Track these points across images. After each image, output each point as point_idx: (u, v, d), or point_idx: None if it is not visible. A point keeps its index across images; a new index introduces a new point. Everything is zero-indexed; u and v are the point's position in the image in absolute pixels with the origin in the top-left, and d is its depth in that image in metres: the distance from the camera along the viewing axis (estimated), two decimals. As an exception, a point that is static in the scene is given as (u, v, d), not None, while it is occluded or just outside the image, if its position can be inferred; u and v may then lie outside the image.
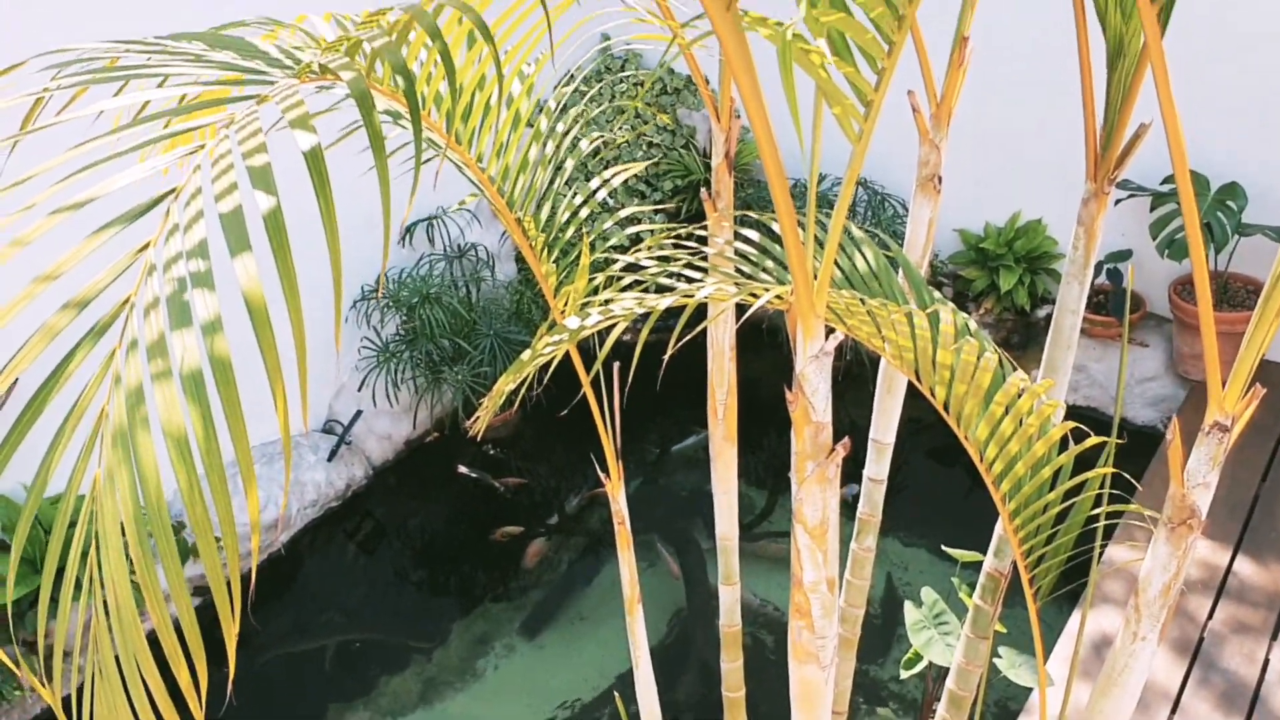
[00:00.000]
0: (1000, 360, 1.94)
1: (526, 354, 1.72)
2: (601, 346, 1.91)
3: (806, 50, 1.19)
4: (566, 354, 2.35)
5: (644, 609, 5.98)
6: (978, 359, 1.84)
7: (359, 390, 6.69)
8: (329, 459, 6.61)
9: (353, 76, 1.05)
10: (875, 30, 1.35)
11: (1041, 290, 6.80)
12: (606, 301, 1.82)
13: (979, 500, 3.69)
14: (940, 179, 2.46)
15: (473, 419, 1.86)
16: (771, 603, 6.04)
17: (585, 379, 2.20)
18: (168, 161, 1.12)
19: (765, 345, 7.73)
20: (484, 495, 6.92)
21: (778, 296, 1.65)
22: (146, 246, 1.10)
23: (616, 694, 2.53)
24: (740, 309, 2.03)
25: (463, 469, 6.77)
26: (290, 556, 6.50)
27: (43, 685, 1.40)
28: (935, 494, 6.83)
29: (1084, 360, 6.70)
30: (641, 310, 1.67)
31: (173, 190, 1.11)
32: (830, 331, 1.76)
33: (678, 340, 1.71)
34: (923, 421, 7.20)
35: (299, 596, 6.43)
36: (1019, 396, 1.86)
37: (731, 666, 2.86)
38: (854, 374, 7.20)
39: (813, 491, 1.80)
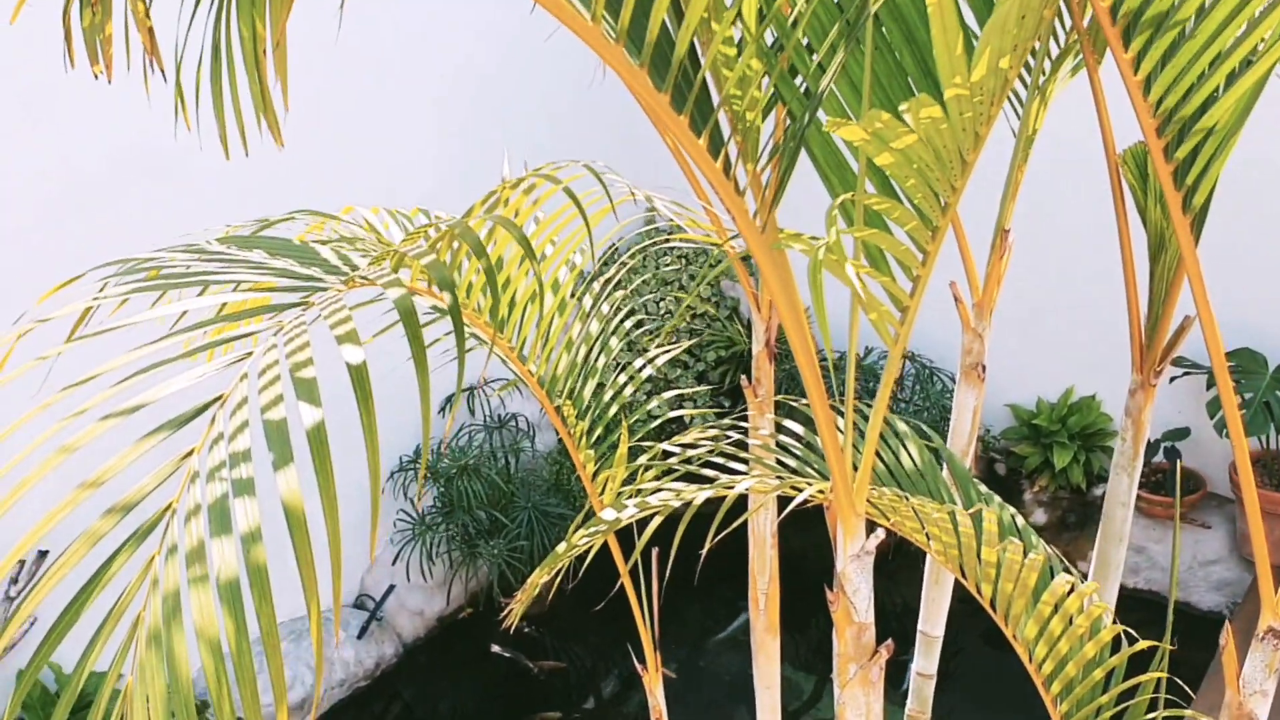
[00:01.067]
0: (1048, 558, 1.94)
1: (561, 546, 1.75)
2: (640, 533, 1.94)
3: (840, 263, 1.25)
4: (608, 540, 2.37)
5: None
6: (1024, 557, 1.85)
7: (393, 564, 6.70)
8: (359, 636, 6.57)
9: (400, 294, 1.12)
10: (910, 242, 1.41)
11: (1097, 468, 6.75)
12: (640, 491, 1.85)
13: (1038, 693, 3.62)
14: (984, 367, 2.50)
15: (506, 611, 1.88)
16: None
17: (624, 569, 2.22)
18: (215, 368, 1.19)
19: (812, 519, 7.67)
20: (517, 675, 6.82)
21: (819, 491, 1.67)
22: (191, 454, 1.16)
23: None
24: (782, 501, 2.06)
25: (496, 648, 6.70)
26: (315, 739, 6.42)
27: None
28: (991, 682, 6.65)
29: (1144, 541, 6.60)
30: (679, 503, 1.71)
31: (219, 398, 1.17)
32: (872, 529, 1.78)
33: (716, 534, 1.74)
34: (978, 604, 7.11)
35: (319, 786, 6.33)
36: (1067, 596, 1.86)
37: None
38: (906, 551, 7.13)
39: (855, 695, 1.79)
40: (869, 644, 1.77)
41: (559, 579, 6.50)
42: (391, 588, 6.71)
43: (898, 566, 7.07)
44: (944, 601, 2.81)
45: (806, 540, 7.80)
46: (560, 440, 7.56)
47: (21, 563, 4.78)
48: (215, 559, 1.11)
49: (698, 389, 7.48)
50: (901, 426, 2.14)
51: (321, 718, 6.42)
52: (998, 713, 6.27)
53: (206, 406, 1.17)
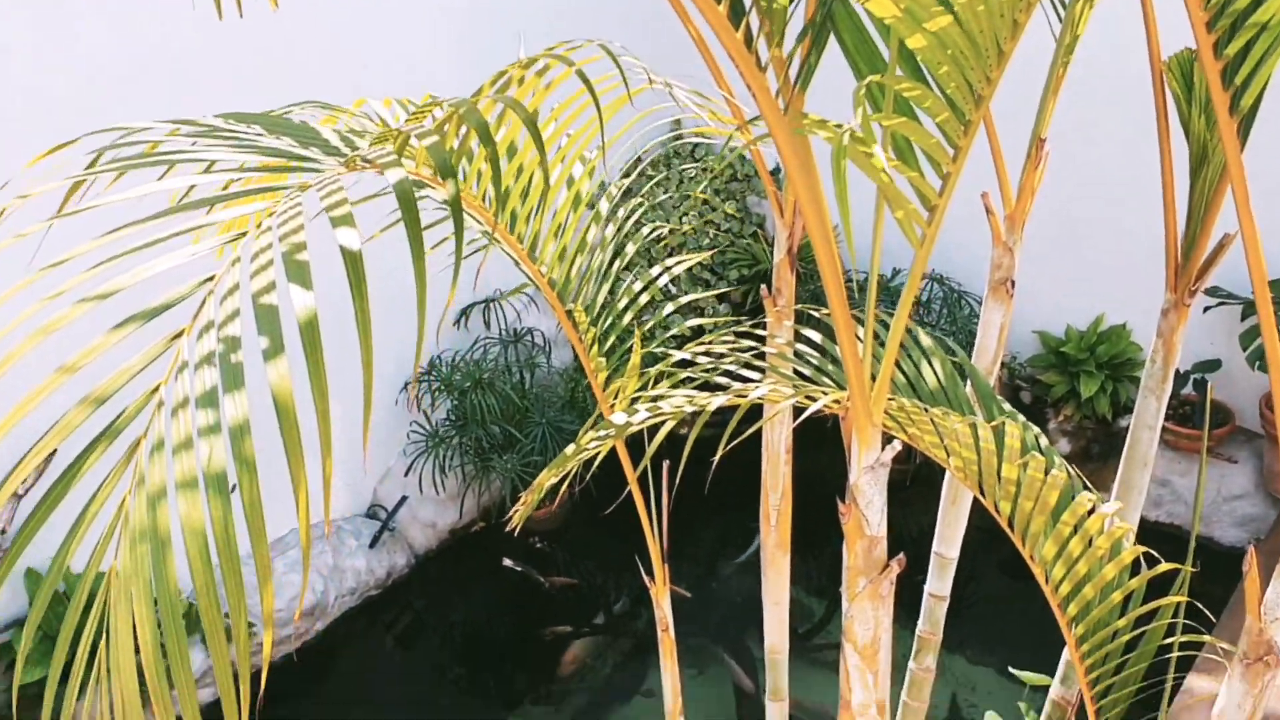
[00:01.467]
0: (1070, 477, 1.91)
1: (571, 448, 1.72)
2: (651, 442, 1.91)
3: (868, 153, 1.20)
4: (617, 448, 2.34)
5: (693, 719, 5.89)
6: (1045, 475, 1.81)
7: (405, 475, 6.72)
8: (371, 545, 6.63)
9: (398, 177, 1.07)
10: (941, 135, 1.36)
11: (1124, 399, 6.69)
12: (656, 398, 1.82)
13: (1052, 619, 3.62)
14: (1013, 283, 2.44)
15: (512, 511, 1.86)
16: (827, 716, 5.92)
17: (632, 476, 2.19)
18: (207, 250, 1.15)
19: (828, 439, 7.67)
20: (529, 589, 6.88)
21: (835, 401, 1.64)
22: (180, 334, 1.13)
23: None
24: (798, 411, 2.02)
25: (508, 562, 6.74)
26: (325, 646, 6.49)
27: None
28: (1006, 610, 6.68)
29: (1168, 474, 6.56)
30: (692, 409, 1.67)
31: (210, 278, 1.13)
32: (888, 441, 1.74)
33: (729, 441, 1.71)
34: (995, 531, 7.10)
35: (332, 689, 6.41)
36: (1088, 516, 1.82)
37: (777, 789, 2.80)
38: (923, 477, 7.12)
39: (864, 609, 1.77)
40: (880, 558, 1.74)
41: (571, 492, 6.52)
42: (404, 499, 6.75)
43: (915, 493, 7.07)
44: (960, 523, 2.78)
45: (822, 462, 7.80)
46: (577, 357, 7.55)
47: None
48: (203, 449, 1.08)
49: (718, 301, 7.44)
50: (925, 340, 2.09)
51: (333, 624, 6.49)
52: (1010, 639, 6.29)
53: (197, 288, 1.13)
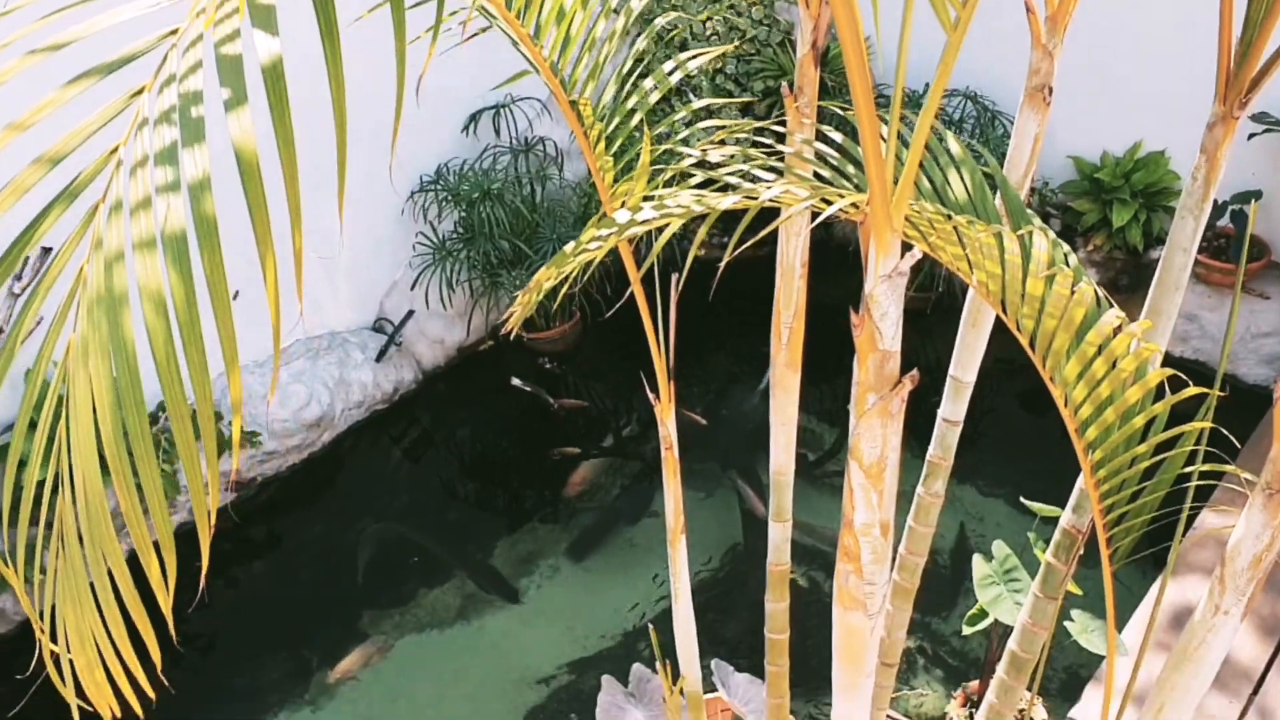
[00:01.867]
0: (1097, 296, 1.84)
1: (570, 246, 1.65)
2: (668, 263, 1.84)
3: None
4: (623, 257, 2.27)
5: (699, 543, 5.96)
6: (1071, 291, 1.74)
7: (411, 289, 6.69)
8: (377, 359, 6.64)
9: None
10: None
11: (1157, 229, 6.57)
12: (663, 198, 1.74)
13: (1068, 453, 3.60)
14: (1051, 90, 2.33)
15: (508, 312, 1.80)
16: (831, 542, 5.99)
17: (636, 278, 2.13)
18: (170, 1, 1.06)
19: (849, 268, 7.60)
20: (536, 410, 6.92)
21: (854, 205, 1.56)
22: (141, 91, 1.05)
23: (652, 626, 2.51)
24: (815, 220, 1.94)
25: (516, 382, 6.76)
26: (330, 458, 6.57)
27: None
28: (1022, 442, 6.70)
29: (1196, 309, 6.48)
30: (700, 209, 1.60)
31: (173, 31, 1.05)
32: (908, 250, 1.67)
33: (736, 247, 1.64)
34: (1014, 363, 7.05)
35: (337, 501, 6.51)
36: (1114, 335, 1.76)
37: (776, 607, 2.82)
38: (944, 307, 7.06)
39: (872, 426, 1.73)
40: (892, 374, 1.69)
41: (582, 314, 6.46)
42: (410, 313, 6.73)
43: (934, 322, 7.02)
44: (979, 347, 2.73)
45: (841, 292, 7.74)
46: (591, 171, 7.40)
47: (26, 259, 4.77)
48: (161, 210, 1.01)
49: (741, 111, 7.25)
50: (954, 146, 2.00)
51: (340, 436, 6.56)
52: (1022, 472, 6.33)
53: (158, 43, 1.05)
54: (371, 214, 6.55)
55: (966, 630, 4.37)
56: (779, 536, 2.79)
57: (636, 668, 3.33)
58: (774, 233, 2.51)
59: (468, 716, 5.40)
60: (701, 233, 1.60)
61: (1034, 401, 6.95)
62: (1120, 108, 6.66)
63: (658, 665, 2.63)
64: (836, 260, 7.57)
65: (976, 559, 4.27)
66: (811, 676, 4.83)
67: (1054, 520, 3.23)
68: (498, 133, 6.79)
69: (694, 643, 2.86)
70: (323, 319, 6.61)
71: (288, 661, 5.66)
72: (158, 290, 1.00)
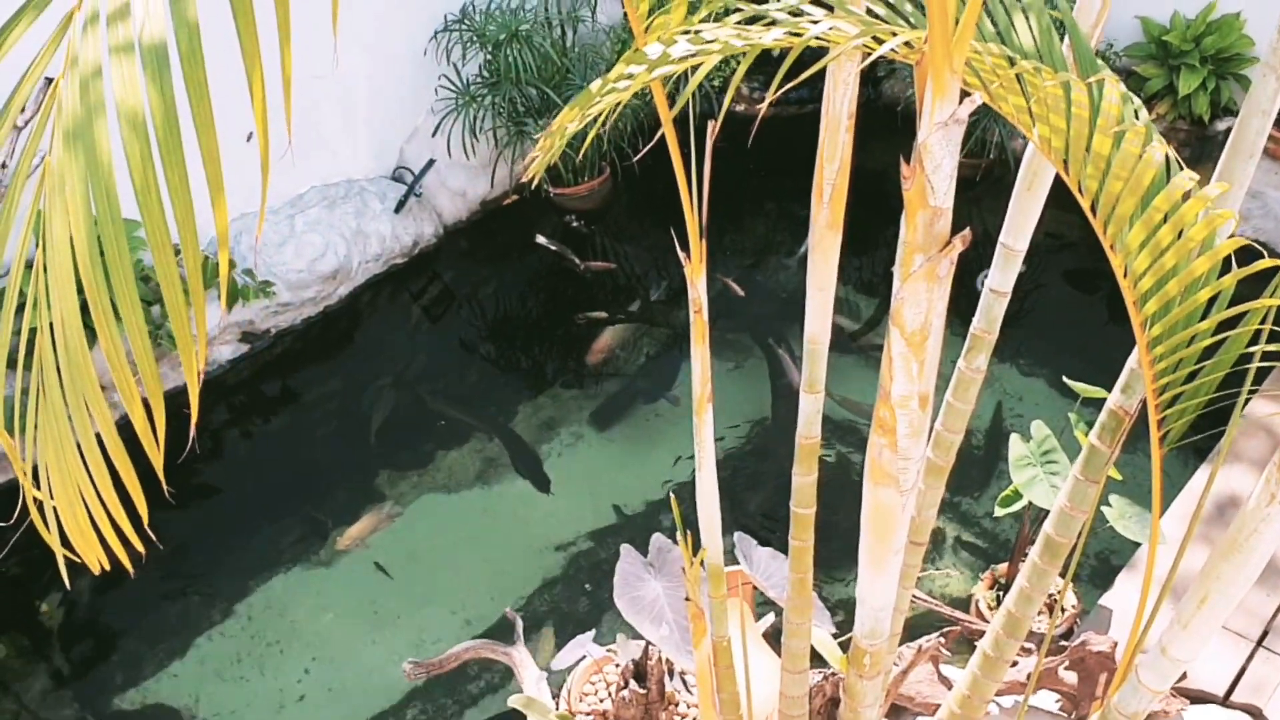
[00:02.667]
0: (1167, 159, 1.74)
1: (596, 84, 1.57)
2: (704, 116, 1.75)
3: None
4: (657, 103, 2.18)
5: (727, 415, 5.93)
6: (1141, 151, 1.65)
7: (433, 136, 6.57)
8: (396, 210, 6.57)
9: None
10: None
11: (1226, 99, 6.36)
12: (699, 31, 1.64)
13: (1115, 335, 3.52)
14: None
15: (529, 159, 1.72)
16: (865, 417, 5.96)
17: (667, 118, 2.04)
18: None
19: (899, 132, 7.44)
20: (562, 270, 6.85)
21: (908, 45, 1.46)
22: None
23: (673, 495, 2.48)
24: (865, 60, 1.84)
25: (542, 240, 6.68)
26: (347, 312, 6.55)
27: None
28: (1066, 323, 6.61)
29: (1262, 185, 6.31)
30: (740, 44, 1.50)
31: None
32: (965, 98, 1.57)
33: (779, 88, 1.54)
34: (1064, 239, 6.94)
35: (353, 358, 6.51)
36: (1184, 201, 1.67)
37: (804, 481, 2.78)
38: (994, 176, 6.91)
39: (917, 290, 1.65)
40: (942, 234, 1.61)
41: (613, 170, 6.32)
42: (431, 162, 6.62)
43: (984, 191, 6.88)
44: (1033, 213, 2.63)
45: (887, 159, 7.55)
46: (627, 14, 7.18)
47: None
48: (139, 17, 0.94)
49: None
50: (1020, -12, 1.88)
51: (356, 290, 6.54)
52: (1066, 353, 6.25)
53: None
54: (391, 54, 6.41)
55: (998, 512, 4.36)
56: (810, 408, 2.73)
57: (656, 538, 3.32)
58: (820, 85, 2.41)
59: (483, 579, 5.47)
60: (740, 71, 1.51)
61: (1081, 280, 6.84)
62: (1196, -35, 6.40)
63: (678, 536, 2.61)
64: (884, 122, 7.40)
65: (1014, 439, 4.23)
66: (835, 554, 4.84)
67: (1096, 402, 3.17)
68: (528, -31, 6.59)
69: (716, 514, 2.84)
70: (339, 165, 6.52)
71: (301, 517, 5.73)
72: (136, 111, 0.93)
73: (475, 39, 6.30)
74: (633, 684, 3.19)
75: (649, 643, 3.26)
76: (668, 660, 3.46)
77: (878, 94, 7.61)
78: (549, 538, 5.65)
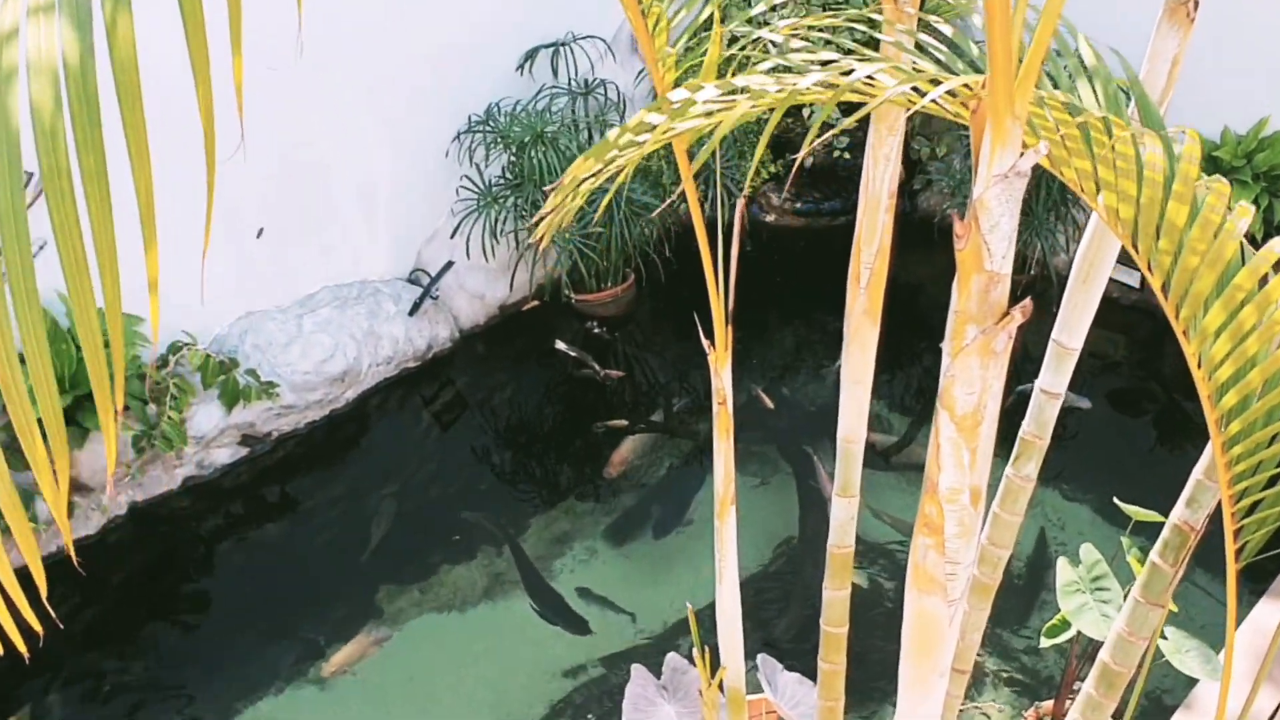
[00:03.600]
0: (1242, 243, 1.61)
1: (613, 133, 1.45)
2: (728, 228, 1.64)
3: None
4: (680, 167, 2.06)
5: (751, 532, 5.76)
6: (1224, 219, 1.51)
7: (451, 237, 6.52)
8: (411, 312, 6.49)
9: None
10: None
11: (1279, 218, 6.25)
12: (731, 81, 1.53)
13: (1164, 461, 3.37)
14: (1196, 5, 2.09)
15: (535, 220, 1.60)
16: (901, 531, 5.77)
17: (688, 173, 1.92)
18: None
19: (935, 246, 7.37)
20: (582, 379, 6.74)
21: (966, 86, 1.34)
22: None
23: (690, 608, 2.32)
24: (910, 112, 1.73)
25: (561, 346, 6.58)
26: (355, 417, 6.43)
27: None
28: (1111, 446, 6.43)
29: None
30: (775, 88, 1.39)
31: None
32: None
33: (815, 139, 1.42)
34: (1107, 359, 6.81)
35: (358, 464, 6.37)
36: (1272, 275, 1.53)
37: (836, 595, 2.61)
38: (1036, 290, 6.79)
39: (969, 367, 1.51)
40: (999, 302, 1.48)
41: (638, 276, 6.22)
42: (450, 264, 6.56)
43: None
44: (1089, 309, 2.49)
45: (924, 272, 7.50)
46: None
47: None
48: None
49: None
50: (1087, 52, 1.77)
51: (365, 394, 6.43)
52: (1110, 475, 6.05)
53: None
54: (413, 153, 6.39)
55: (1044, 643, 4.13)
56: (844, 514, 2.58)
57: (671, 657, 3.14)
58: (852, 197, 2.31)
59: (486, 704, 5.25)
60: (776, 116, 1.39)
61: (1126, 402, 6.69)
62: (1245, 79, 6.34)
63: (695, 654, 2.43)
64: (920, 236, 7.34)
65: (1061, 563, 4.03)
66: (865, 686, 4.62)
67: (1149, 526, 3.01)
68: (555, 73, 6.59)
69: (738, 629, 2.67)
70: (355, 265, 6.46)
71: (295, 632, 5.53)
72: (49, 63, 0.80)
73: (499, 140, 6.28)
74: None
75: (661, 773, 3.05)
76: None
77: (913, 206, 7.56)
78: (558, 660, 5.44)
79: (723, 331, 2.40)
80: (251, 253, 6.02)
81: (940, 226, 7.41)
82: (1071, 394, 6.17)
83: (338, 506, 6.14)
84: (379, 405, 6.50)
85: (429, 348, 6.60)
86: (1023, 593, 5.57)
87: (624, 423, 6.39)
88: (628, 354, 7.01)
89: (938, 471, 1.63)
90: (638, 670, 3.08)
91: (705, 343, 2.43)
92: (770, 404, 6.51)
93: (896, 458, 6.30)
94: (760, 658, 3.22)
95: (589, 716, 5.11)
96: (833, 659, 2.68)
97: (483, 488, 6.37)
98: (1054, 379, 2.56)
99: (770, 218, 7.56)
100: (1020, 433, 2.64)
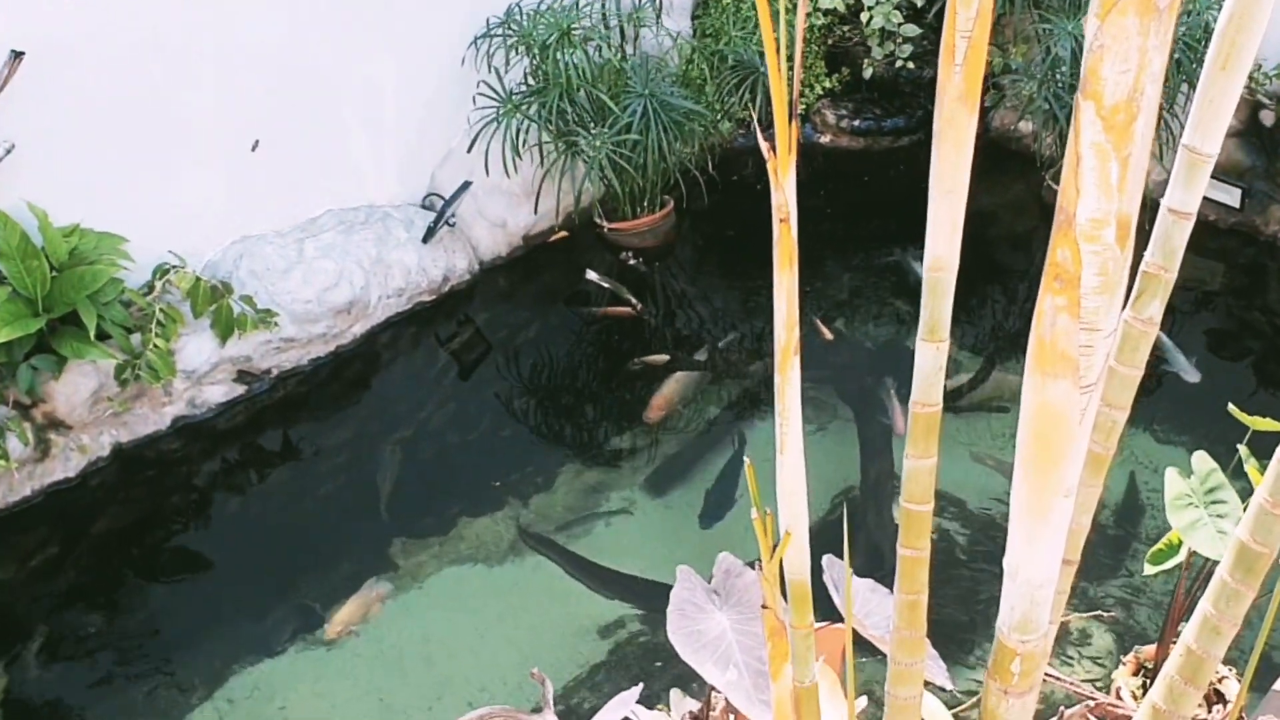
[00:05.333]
0: None
1: None
2: None
3: None
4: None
5: (809, 484, 5.53)
6: None
7: (468, 151, 6.27)
8: (424, 239, 6.25)
9: None
10: None
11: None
12: None
13: (1269, 404, 3.18)
14: None
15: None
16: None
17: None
18: None
19: (1009, 172, 7.15)
20: (615, 320, 6.51)
21: None
22: None
23: (748, 461, 2.05)
24: None
25: (593, 275, 6.34)
26: (363, 355, 6.22)
27: None
28: (1207, 382, 6.13)
29: None
30: None
31: None
32: None
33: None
34: (1204, 287, 6.52)
35: (368, 406, 6.16)
36: None
37: (920, 464, 2.32)
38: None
39: (1124, 31, 1.24)
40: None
41: (677, 201, 5.92)
42: (466, 184, 6.31)
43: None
44: (1228, 101, 2.21)
45: (997, 201, 7.22)
46: (698, 19, 6.87)
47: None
48: None
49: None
50: None
51: (375, 330, 6.22)
52: (1208, 416, 5.77)
53: None
54: (426, 63, 6.17)
55: (1149, 570, 3.85)
56: (930, 364, 2.29)
57: (724, 557, 2.86)
58: (917, 111, 2.02)
59: (511, 665, 5.02)
60: None
61: (1224, 339, 6.42)
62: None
63: (755, 516, 2.15)
64: (992, 160, 7.11)
65: (1170, 474, 3.75)
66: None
67: (1271, 438, 2.74)
68: (585, -33, 6.33)
69: (803, 514, 2.38)
70: (361, 188, 6.24)
71: (298, 590, 5.33)
72: None
73: (521, 43, 6.02)
74: (692, 744, 2.71)
75: (710, 689, 2.79)
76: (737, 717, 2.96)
77: (986, 126, 7.29)
78: (592, 618, 5.21)
79: (784, 126, 2.13)
80: (247, 172, 5.81)
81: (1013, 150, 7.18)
82: (1181, 357, 5.94)
83: (345, 452, 5.94)
84: (390, 342, 6.28)
85: (445, 279, 6.37)
86: (1114, 544, 5.30)
87: (664, 357, 6.15)
88: (666, 288, 6.78)
89: (1075, 196, 1.35)
90: (684, 572, 2.82)
91: (764, 145, 2.17)
92: (829, 335, 6.27)
93: (967, 399, 6.05)
94: (826, 559, 2.95)
95: (634, 675, 4.88)
96: (915, 544, 2.39)
97: (505, 434, 6.14)
98: (1185, 195, 2.25)
99: (825, 138, 7.28)
100: (1142, 265, 2.36)
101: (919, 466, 2.40)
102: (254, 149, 5.70)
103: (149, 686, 4.95)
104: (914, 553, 2.46)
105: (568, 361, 6.56)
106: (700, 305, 6.75)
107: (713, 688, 2.77)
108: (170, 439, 5.74)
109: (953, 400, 6.00)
